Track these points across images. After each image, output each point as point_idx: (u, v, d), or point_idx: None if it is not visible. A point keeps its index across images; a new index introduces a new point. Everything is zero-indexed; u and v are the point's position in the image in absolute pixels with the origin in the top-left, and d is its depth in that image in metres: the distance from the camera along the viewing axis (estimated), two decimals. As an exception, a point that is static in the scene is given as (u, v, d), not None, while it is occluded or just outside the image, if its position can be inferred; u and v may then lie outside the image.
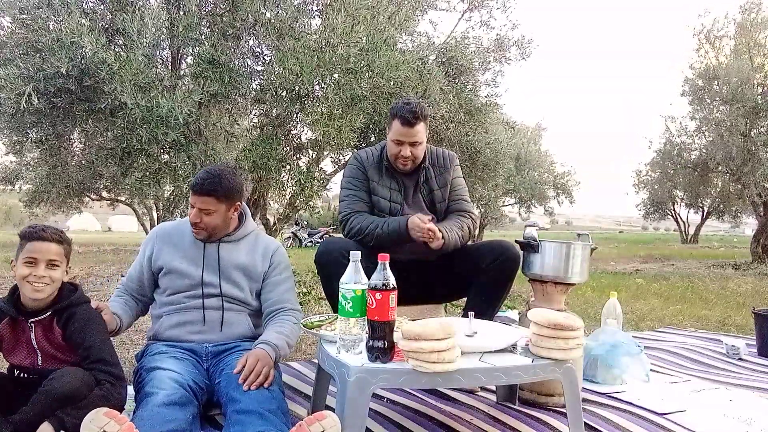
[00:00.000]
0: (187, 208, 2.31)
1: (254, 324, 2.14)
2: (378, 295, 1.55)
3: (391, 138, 2.40)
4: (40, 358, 1.75)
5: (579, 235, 2.32)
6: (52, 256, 1.73)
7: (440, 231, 2.27)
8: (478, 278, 2.31)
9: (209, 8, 4.89)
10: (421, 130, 2.38)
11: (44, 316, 1.75)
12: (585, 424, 1.86)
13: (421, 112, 2.34)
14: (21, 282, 1.72)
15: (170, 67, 5.02)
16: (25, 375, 1.76)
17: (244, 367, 1.83)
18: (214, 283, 2.07)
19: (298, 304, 2.20)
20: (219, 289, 2.07)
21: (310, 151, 6.03)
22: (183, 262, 2.07)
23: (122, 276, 2.23)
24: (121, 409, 1.78)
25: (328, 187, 6.38)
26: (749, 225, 20.16)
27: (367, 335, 1.61)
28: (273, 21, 4.56)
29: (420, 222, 2.25)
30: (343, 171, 2.62)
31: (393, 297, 1.57)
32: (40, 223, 1.79)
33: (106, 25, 4.40)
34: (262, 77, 4.98)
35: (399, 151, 2.39)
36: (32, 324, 1.74)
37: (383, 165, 2.48)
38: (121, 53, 4.15)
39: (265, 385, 1.80)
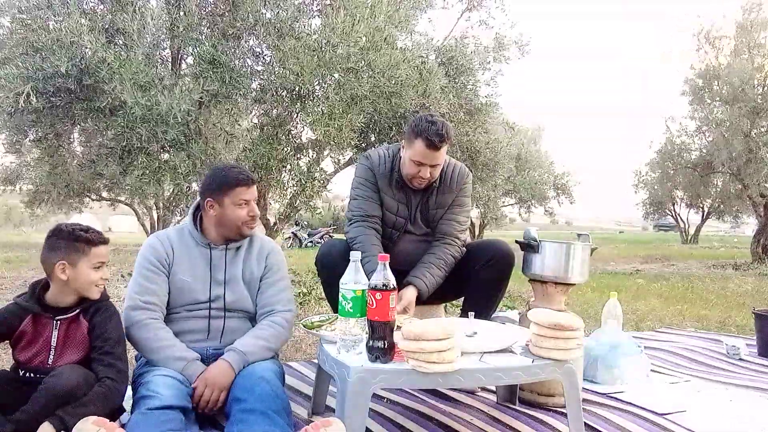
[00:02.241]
0: (187, 207, 2.28)
1: None
2: (378, 296, 1.55)
3: (411, 158, 2.24)
4: (52, 356, 1.76)
5: (579, 235, 2.32)
6: (108, 257, 1.84)
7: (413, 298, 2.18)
8: (474, 278, 2.31)
9: (209, 8, 4.89)
10: (443, 153, 2.24)
11: (72, 313, 1.77)
12: (585, 424, 1.86)
13: (447, 133, 2.19)
14: (89, 287, 1.76)
15: (170, 67, 5.03)
16: (30, 374, 1.77)
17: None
18: (220, 296, 2.03)
19: (293, 302, 2.14)
20: (223, 301, 2.04)
21: (311, 151, 6.03)
22: (189, 277, 2.01)
23: (138, 295, 1.95)
24: (119, 407, 1.79)
25: (328, 187, 6.39)
26: (749, 225, 20.15)
27: (368, 335, 1.61)
28: (273, 21, 4.57)
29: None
30: (354, 170, 2.51)
31: (393, 297, 1.56)
32: (81, 224, 1.81)
33: (106, 25, 4.40)
34: (262, 77, 4.98)
35: (418, 171, 2.25)
36: (58, 321, 1.76)
37: (394, 176, 2.37)
38: (122, 53, 4.16)
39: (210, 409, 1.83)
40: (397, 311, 2.01)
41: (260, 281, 2.08)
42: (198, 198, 2.12)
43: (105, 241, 1.81)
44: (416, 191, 2.39)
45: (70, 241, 1.74)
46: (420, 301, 2.23)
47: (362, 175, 2.41)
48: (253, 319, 2.11)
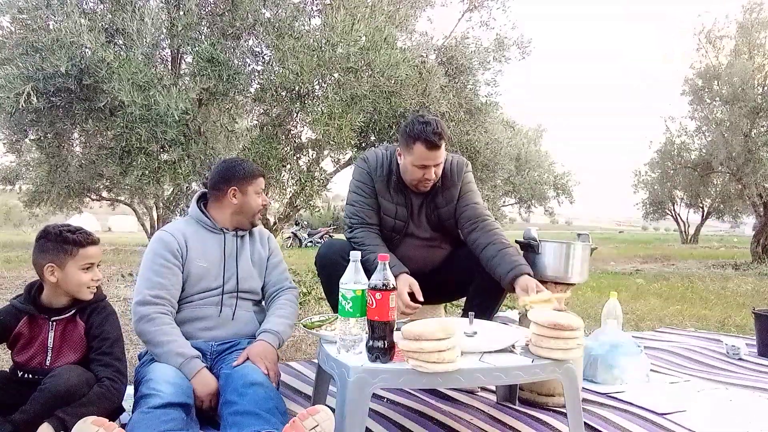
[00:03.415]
0: (187, 206, 2.31)
1: (259, 321, 2.17)
2: (378, 295, 1.54)
3: (414, 163, 2.21)
4: (50, 357, 1.76)
5: (579, 235, 2.32)
6: (100, 257, 1.80)
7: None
8: (477, 279, 2.30)
9: (209, 8, 4.89)
10: (444, 149, 2.22)
11: (68, 314, 1.77)
12: (585, 424, 1.86)
13: (443, 130, 2.19)
14: (79, 288, 1.74)
15: (170, 67, 5.03)
16: (29, 375, 1.76)
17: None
18: (232, 277, 2.11)
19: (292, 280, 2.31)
20: (236, 283, 2.12)
21: (311, 151, 6.03)
22: (204, 262, 2.08)
23: (147, 290, 1.97)
24: (119, 407, 1.79)
25: (328, 186, 6.39)
26: (749, 225, 20.16)
27: (367, 335, 1.61)
28: (272, 20, 4.56)
29: (404, 298, 2.10)
30: (352, 171, 2.48)
31: (393, 297, 1.56)
32: (70, 225, 1.79)
33: (106, 25, 4.40)
34: (262, 77, 4.98)
35: (423, 174, 2.23)
36: (53, 322, 1.75)
37: (392, 179, 2.33)
38: (121, 53, 4.15)
39: (272, 381, 1.87)
40: (541, 298, 1.95)
41: (267, 261, 2.24)
42: (203, 189, 2.24)
43: (94, 242, 1.78)
44: (417, 193, 2.36)
45: (58, 242, 1.72)
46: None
47: (359, 179, 2.38)
48: (258, 302, 2.22)
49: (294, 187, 5.64)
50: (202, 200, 2.21)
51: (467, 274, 2.33)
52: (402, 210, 2.36)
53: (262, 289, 2.23)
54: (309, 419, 1.51)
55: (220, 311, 2.08)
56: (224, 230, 2.15)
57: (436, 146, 2.17)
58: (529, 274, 2.07)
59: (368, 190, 2.36)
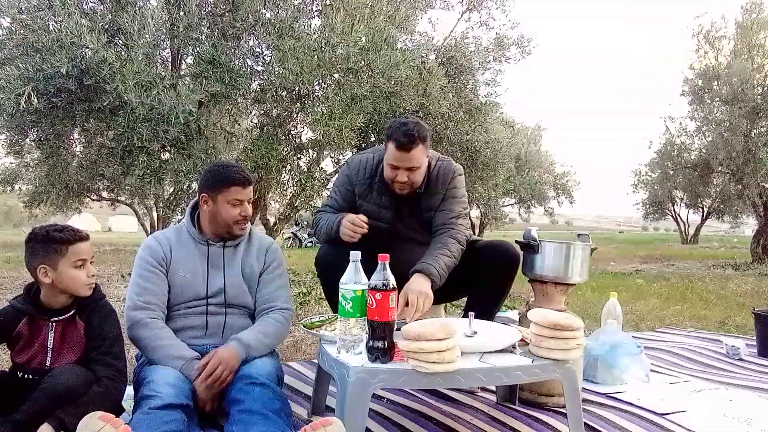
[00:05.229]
0: (188, 207, 2.26)
1: None
2: (378, 296, 1.55)
3: (386, 161, 2.21)
4: (49, 358, 1.76)
5: (579, 235, 2.32)
6: (91, 253, 1.79)
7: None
8: (478, 279, 2.30)
9: (209, 8, 4.89)
10: (417, 155, 2.15)
11: (67, 315, 1.77)
12: (585, 424, 1.86)
13: (418, 134, 2.11)
14: (75, 286, 1.74)
15: (170, 67, 5.03)
16: (29, 376, 1.76)
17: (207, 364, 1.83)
18: (219, 291, 2.04)
19: (290, 301, 2.15)
20: (224, 297, 2.04)
21: (311, 151, 6.04)
22: (188, 273, 2.03)
23: (137, 296, 1.97)
24: (119, 406, 1.79)
25: (328, 186, 6.39)
26: (749, 225, 20.15)
27: (367, 335, 1.61)
28: (273, 21, 4.56)
29: (350, 224, 2.11)
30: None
31: (393, 297, 1.57)
32: (57, 224, 1.79)
33: (106, 26, 4.40)
34: (262, 77, 4.98)
35: (395, 175, 2.21)
36: (53, 323, 1.76)
37: (375, 181, 2.32)
38: (122, 53, 4.15)
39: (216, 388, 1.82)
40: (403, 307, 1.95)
41: (260, 276, 2.10)
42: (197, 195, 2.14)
43: (83, 238, 1.77)
44: (404, 197, 2.32)
45: (47, 243, 1.72)
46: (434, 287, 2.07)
47: (341, 182, 2.42)
48: (253, 315, 2.12)
49: (294, 188, 5.65)
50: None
51: (469, 275, 2.32)
52: (385, 212, 2.33)
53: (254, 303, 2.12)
54: (321, 430, 1.50)
55: (207, 324, 2.02)
56: (209, 241, 2.06)
57: (404, 148, 2.12)
58: (420, 272, 2.04)
59: (344, 191, 2.39)
